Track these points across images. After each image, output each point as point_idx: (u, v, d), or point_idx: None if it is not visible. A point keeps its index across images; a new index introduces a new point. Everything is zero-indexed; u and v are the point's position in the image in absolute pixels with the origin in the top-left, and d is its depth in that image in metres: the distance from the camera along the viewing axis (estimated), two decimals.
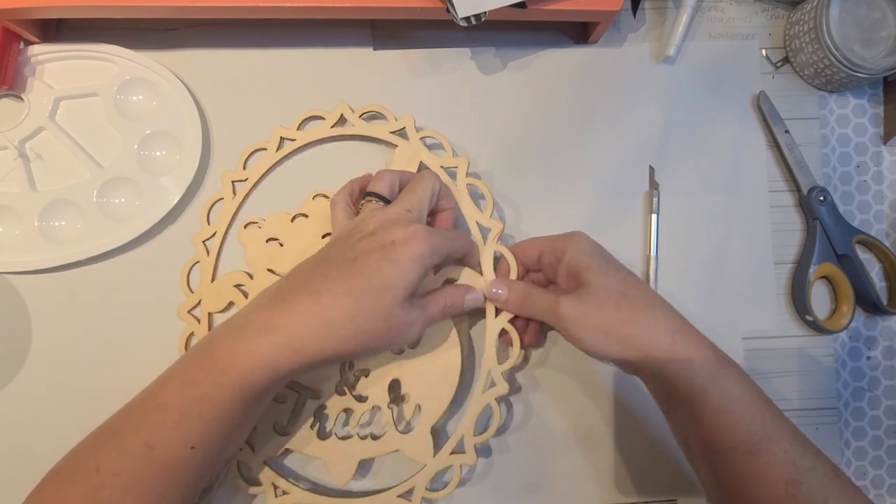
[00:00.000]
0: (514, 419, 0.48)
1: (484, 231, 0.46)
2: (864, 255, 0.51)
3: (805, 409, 0.50)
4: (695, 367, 0.37)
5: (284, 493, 0.44)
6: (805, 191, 0.50)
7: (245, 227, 0.47)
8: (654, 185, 0.50)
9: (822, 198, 0.50)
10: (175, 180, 0.48)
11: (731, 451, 0.36)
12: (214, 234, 0.48)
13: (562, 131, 0.51)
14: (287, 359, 0.35)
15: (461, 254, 0.43)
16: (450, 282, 0.44)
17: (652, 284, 0.49)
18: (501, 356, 0.45)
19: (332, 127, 0.48)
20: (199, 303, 0.47)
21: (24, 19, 0.45)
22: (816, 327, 0.49)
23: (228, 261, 0.48)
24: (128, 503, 0.33)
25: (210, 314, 0.47)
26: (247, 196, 0.49)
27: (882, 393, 0.50)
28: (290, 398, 0.44)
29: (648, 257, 0.50)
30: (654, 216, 0.50)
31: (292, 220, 0.47)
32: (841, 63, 0.47)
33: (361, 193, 0.43)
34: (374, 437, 0.44)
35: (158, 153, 0.49)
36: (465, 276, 0.44)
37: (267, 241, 0.47)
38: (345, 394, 0.45)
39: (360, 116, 0.48)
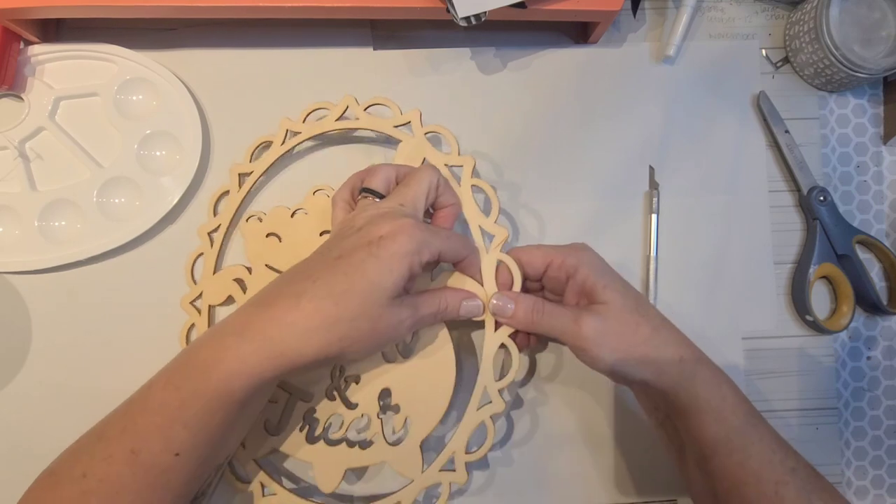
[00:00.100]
0: (515, 421, 0.48)
1: (486, 236, 0.43)
2: (864, 255, 0.51)
3: (805, 409, 0.50)
4: (697, 379, 0.38)
5: (272, 493, 0.43)
6: (805, 191, 0.50)
7: (247, 220, 0.47)
8: (654, 185, 0.50)
9: (822, 198, 0.50)
10: (175, 180, 0.48)
11: (728, 456, 0.37)
12: (219, 226, 0.47)
13: (562, 131, 0.51)
14: (266, 365, 0.33)
15: (456, 255, 0.40)
16: None
17: (652, 284, 0.49)
18: (500, 371, 0.42)
19: (336, 120, 0.47)
20: (200, 294, 0.47)
21: (24, 19, 0.45)
22: (816, 327, 0.49)
23: (235, 253, 0.48)
24: None
25: (210, 307, 0.46)
26: (256, 190, 0.48)
27: (882, 393, 0.50)
28: (282, 398, 0.44)
29: (648, 257, 0.50)
30: (654, 216, 0.50)
31: (292, 215, 0.46)
32: (841, 63, 0.47)
33: None
34: (363, 447, 0.43)
35: (158, 153, 0.49)
36: (465, 285, 0.42)
37: (267, 235, 0.46)
38: (335, 399, 0.43)
39: (365, 109, 0.46)
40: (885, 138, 0.52)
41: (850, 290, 0.49)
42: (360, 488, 0.47)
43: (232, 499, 0.45)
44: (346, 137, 0.50)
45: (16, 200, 0.47)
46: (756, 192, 0.51)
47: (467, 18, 0.42)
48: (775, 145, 0.51)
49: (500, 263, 0.42)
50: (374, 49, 0.51)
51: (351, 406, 0.43)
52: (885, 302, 0.50)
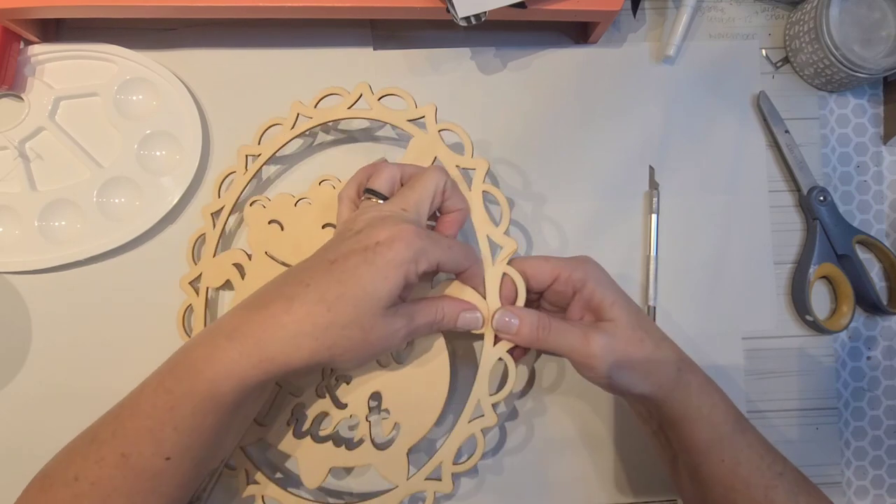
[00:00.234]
0: (512, 429, 0.48)
1: (494, 247, 0.41)
2: (864, 255, 0.51)
3: (805, 409, 0.50)
4: (690, 388, 0.39)
5: (255, 482, 0.42)
6: (805, 191, 0.50)
7: (251, 204, 0.46)
8: (654, 185, 0.50)
9: (822, 198, 0.50)
10: (175, 180, 0.48)
11: (718, 462, 0.38)
12: (222, 207, 0.47)
13: (562, 131, 0.51)
14: (254, 369, 0.33)
15: (457, 266, 0.38)
16: None
17: (652, 284, 0.49)
18: (497, 381, 0.41)
19: (349, 108, 0.45)
20: (200, 276, 0.46)
21: (24, 19, 0.45)
22: (816, 327, 0.49)
23: (243, 238, 0.48)
24: None
25: (208, 289, 0.46)
26: (267, 182, 0.48)
27: (882, 393, 0.50)
28: (272, 389, 0.43)
29: (648, 257, 0.50)
30: (654, 216, 0.50)
31: (296, 203, 0.45)
32: (841, 63, 0.47)
33: None
34: (350, 447, 0.42)
35: (158, 153, 0.49)
36: (464, 295, 0.40)
37: (269, 222, 0.45)
38: (325, 396, 0.43)
39: (379, 99, 0.44)
40: (885, 138, 0.52)
41: (850, 290, 0.49)
42: (346, 484, 0.47)
43: (228, 500, 0.45)
44: (363, 134, 0.50)
45: (16, 200, 0.47)
46: (756, 192, 0.51)
47: (467, 18, 0.42)
48: (775, 145, 0.51)
49: (504, 276, 0.40)
50: (374, 49, 0.51)
51: (340, 406, 0.43)
52: (885, 302, 0.50)
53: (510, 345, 0.40)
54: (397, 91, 0.44)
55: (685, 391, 0.38)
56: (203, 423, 0.33)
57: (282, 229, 0.45)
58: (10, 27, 0.45)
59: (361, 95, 0.45)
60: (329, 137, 0.50)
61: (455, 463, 0.41)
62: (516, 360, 0.40)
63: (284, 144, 0.46)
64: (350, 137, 0.50)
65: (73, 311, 0.48)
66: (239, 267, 0.46)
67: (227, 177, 0.47)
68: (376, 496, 0.41)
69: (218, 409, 0.33)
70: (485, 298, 0.40)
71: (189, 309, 0.46)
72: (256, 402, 0.40)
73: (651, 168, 0.50)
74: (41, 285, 0.48)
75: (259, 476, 0.43)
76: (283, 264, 0.45)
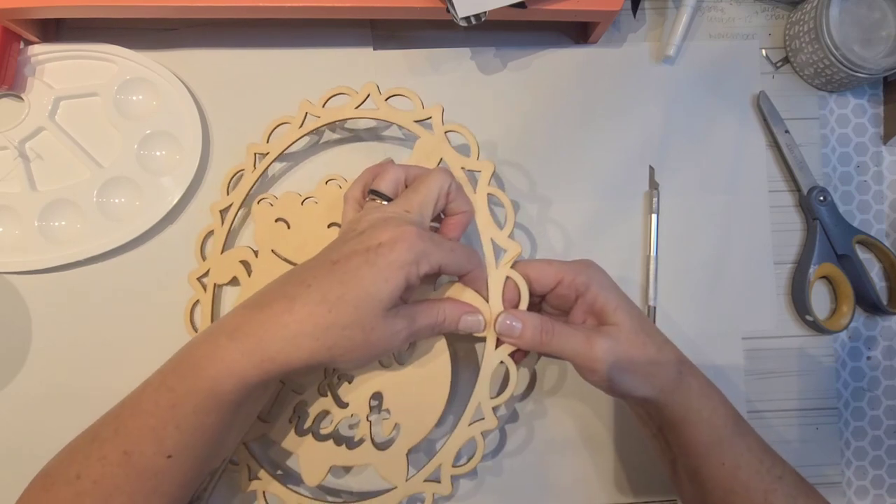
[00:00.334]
0: (512, 431, 0.48)
1: (497, 250, 0.41)
2: (864, 255, 0.51)
3: (805, 409, 0.50)
4: (691, 391, 0.39)
5: (257, 478, 0.43)
6: (805, 191, 0.50)
7: (258, 201, 0.46)
8: (654, 185, 0.50)
9: (822, 198, 0.50)
10: (175, 180, 0.48)
11: (718, 465, 0.38)
12: (231, 205, 0.47)
13: (562, 131, 0.51)
14: (255, 368, 0.33)
15: (459, 268, 0.38)
16: None
17: (652, 284, 0.49)
18: (499, 384, 0.41)
19: (356, 108, 0.45)
20: (208, 272, 0.46)
21: (24, 19, 0.45)
22: (816, 327, 0.49)
23: (244, 232, 0.49)
24: None
25: (216, 285, 0.46)
26: (274, 179, 0.48)
27: (882, 393, 0.50)
28: (275, 387, 0.43)
29: (648, 257, 0.50)
30: (654, 216, 0.50)
31: (302, 202, 0.46)
32: (841, 63, 0.47)
33: None
34: (350, 446, 0.42)
35: (158, 153, 0.49)
36: (465, 297, 0.40)
37: (276, 220, 0.46)
38: (326, 395, 0.43)
39: (386, 99, 0.44)
40: (885, 138, 0.52)
41: (850, 290, 0.49)
42: (346, 483, 0.47)
43: (231, 496, 0.46)
44: (369, 134, 0.50)
45: (16, 200, 0.47)
46: (756, 192, 0.51)
47: (467, 18, 0.42)
48: (775, 145, 0.51)
49: (507, 279, 0.40)
50: (374, 49, 0.51)
51: (342, 404, 0.43)
52: (885, 302, 0.50)
53: (512, 348, 0.40)
54: (404, 91, 0.44)
55: (686, 394, 0.38)
56: (205, 421, 0.33)
57: (288, 228, 0.46)
58: (10, 27, 0.45)
59: (369, 95, 0.45)
60: (335, 136, 0.50)
61: (454, 465, 0.41)
62: (517, 363, 0.40)
63: (293, 143, 0.46)
64: (356, 137, 0.50)
65: (73, 311, 0.48)
66: (245, 264, 0.46)
67: (235, 174, 0.47)
68: (375, 496, 0.41)
69: (220, 407, 0.33)
70: (487, 301, 0.40)
71: (195, 305, 0.46)
72: (258, 401, 0.40)
73: (651, 168, 0.50)
74: (41, 285, 0.48)
75: (262, 472, 0.43)
76: (289, 262, 0.45)
